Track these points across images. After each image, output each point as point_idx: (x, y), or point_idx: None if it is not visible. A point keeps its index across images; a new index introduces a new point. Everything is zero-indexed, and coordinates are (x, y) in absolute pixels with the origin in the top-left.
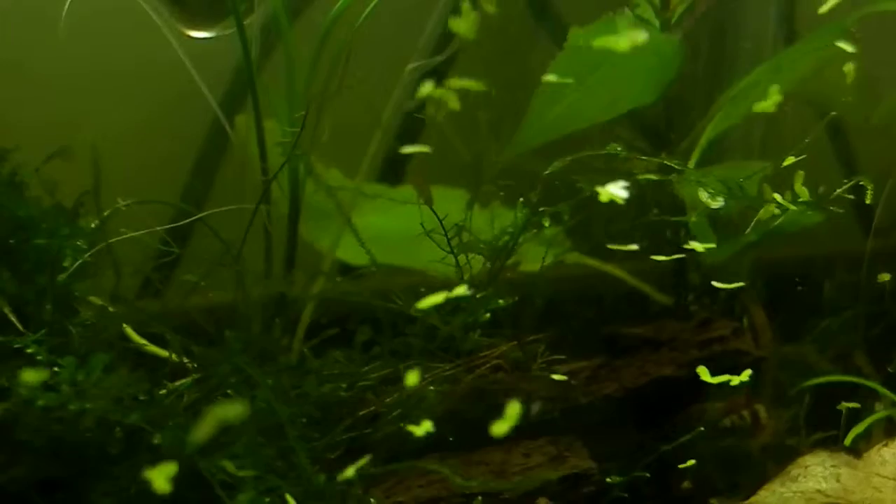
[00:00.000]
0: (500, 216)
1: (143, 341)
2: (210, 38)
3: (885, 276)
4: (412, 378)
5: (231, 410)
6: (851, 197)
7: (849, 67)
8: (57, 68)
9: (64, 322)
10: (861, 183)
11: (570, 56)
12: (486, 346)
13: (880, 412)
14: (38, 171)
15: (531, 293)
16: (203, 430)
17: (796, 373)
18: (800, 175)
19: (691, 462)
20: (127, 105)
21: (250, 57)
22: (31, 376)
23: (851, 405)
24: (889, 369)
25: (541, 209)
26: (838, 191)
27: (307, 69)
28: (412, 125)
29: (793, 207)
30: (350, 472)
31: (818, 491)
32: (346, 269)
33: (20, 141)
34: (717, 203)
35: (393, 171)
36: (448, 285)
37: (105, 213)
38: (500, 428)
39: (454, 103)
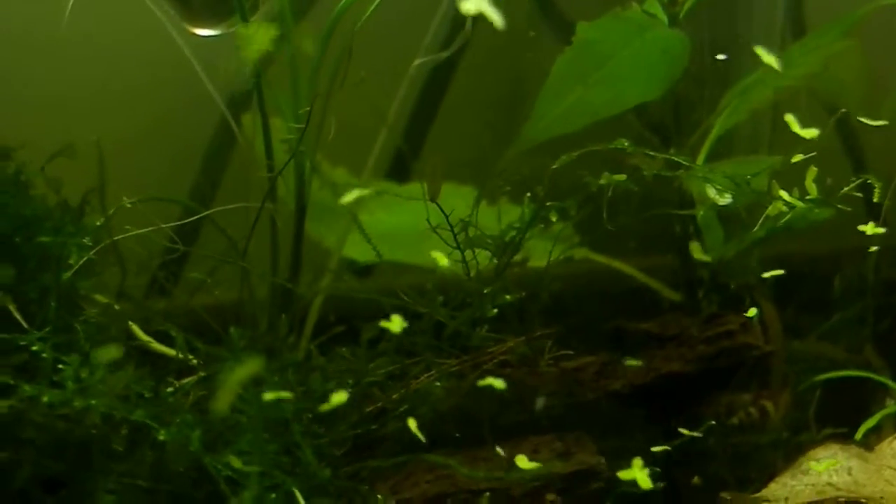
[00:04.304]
0: (507, 212)
1: (148, 339)
2: (215, 35)
3: None
4: None
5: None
6: (860, 194)
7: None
8: (63, 68)
9: (69, 319)
10: (868, 180)
11: (577, 51)
12: (494, 342)
13: (891, 406)
14: (43, 169)
15: (538, 289)
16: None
17: (806, 367)
18: (812, 171)
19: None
20: (134, 104)
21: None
22: None
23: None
24: None
25: (548, 204)
26: (846, 188)
27: (312, 67)
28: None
29: (801, 204)
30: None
31: (829, 484)
32: (355, 266)
33: (26, 140)
34: (725, 199)
35: (400, 168)
36: (455, 282)
37: (111, 211)
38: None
39: None
